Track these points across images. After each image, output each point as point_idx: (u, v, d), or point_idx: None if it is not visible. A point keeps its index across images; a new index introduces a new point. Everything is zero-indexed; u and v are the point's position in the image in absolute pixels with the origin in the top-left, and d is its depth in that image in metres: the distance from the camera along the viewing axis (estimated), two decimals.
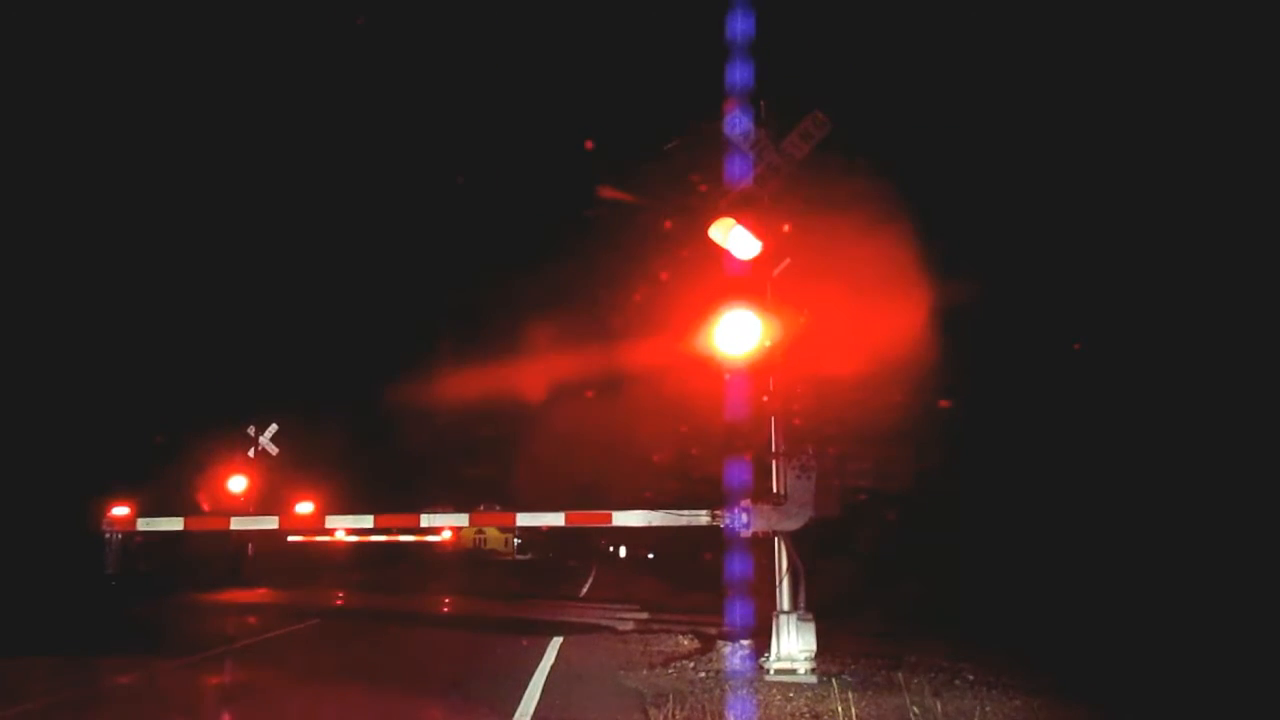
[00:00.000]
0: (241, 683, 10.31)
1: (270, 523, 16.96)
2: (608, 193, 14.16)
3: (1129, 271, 13.58)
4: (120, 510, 14.64)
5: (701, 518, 11.62)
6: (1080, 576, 13.04)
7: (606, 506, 13.19)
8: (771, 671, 9.94)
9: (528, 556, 41.00)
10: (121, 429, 20.25)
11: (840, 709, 8.00)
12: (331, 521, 15.84)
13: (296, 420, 25.48)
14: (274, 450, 24.49)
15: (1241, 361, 12.65)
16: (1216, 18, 12.65)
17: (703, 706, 8.20)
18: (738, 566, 11.85)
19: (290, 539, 27.72)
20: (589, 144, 15.16)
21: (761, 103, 10.57)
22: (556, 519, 13.61)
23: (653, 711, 8.14)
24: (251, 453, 24.20)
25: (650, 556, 40.23)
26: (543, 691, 9.27)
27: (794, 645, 10.00)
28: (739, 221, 9.97)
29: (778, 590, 10.36)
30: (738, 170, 10.38)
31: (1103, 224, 13.78)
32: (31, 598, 15.63)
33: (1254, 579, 11.19)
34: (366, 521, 15.40)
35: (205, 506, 22.44)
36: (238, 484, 23.31)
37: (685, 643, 12.72)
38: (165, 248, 22.14)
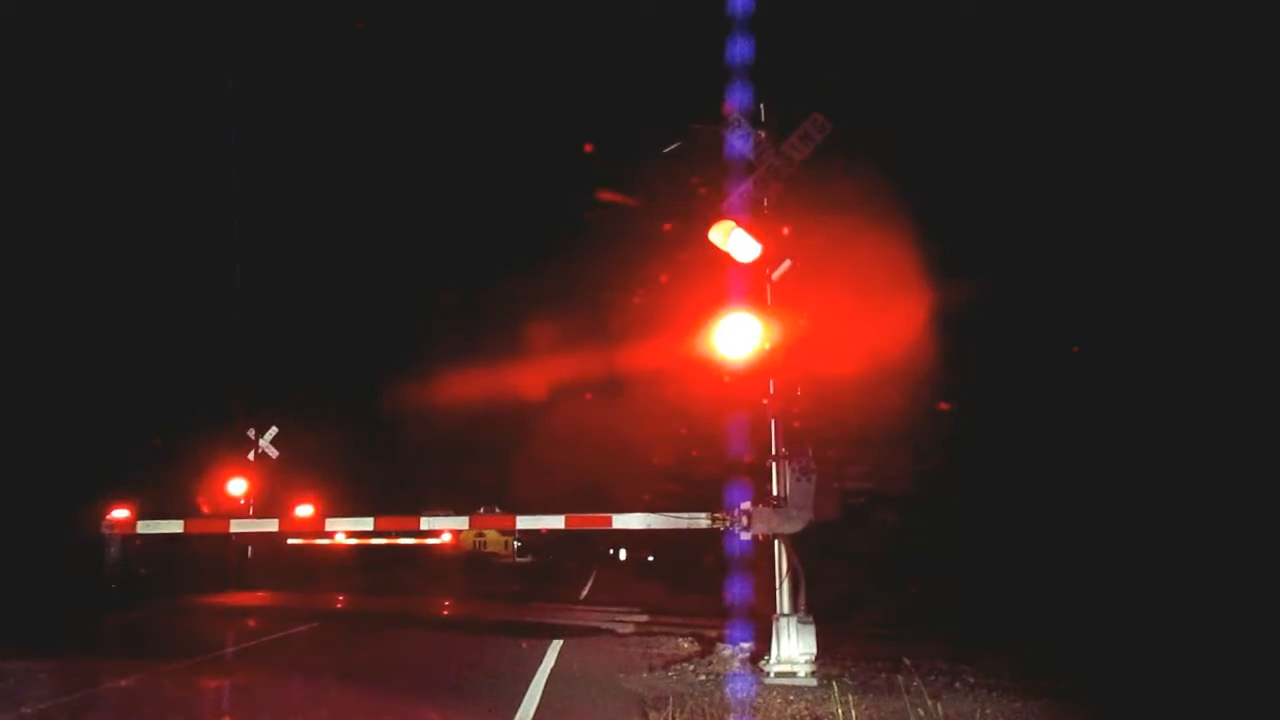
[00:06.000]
0: (241, 686, 10.29)
1: (270, 525, 16.93)
2: (607, 196, 14.18)
3: (1128, 274, 13.59)
4: (120, 513, 14.62)
5: (701, 520, 11.62)
6: (1079, 578, 13.03)
7: (606, 509, 13.18)
8: (771, 674, 9.93)
9: (528, 559, 40.90)
10: (121, 432, 20.24)
11: (840, 712, 7.98)
12: (331, 524, 15.83)
13: (297, 423, 25.44)
14: (274, 453, 24.45)
15: (1240, 363, 12.65)
16: (1215, 18, 12.66)
17: (703, 709, 8.19)
18: (737, 569, 11.85)
19: (290, 542, 27.69)
20: (588, 147, 15.17)
21: (762, 105, 10.59)
22: (556, 522, 13.61)
23: (652, 714, 8.13)
24: (251, 455, 24.15)
25: (650, 559, 40.18)
26: (542, 694, 9.26)
27: (794, 648, 10.00)
28: (739, 224, 9.96)
29: (778, 593, 10.36)
30: (738, 173, 10.36)
31: (1102, 226, 13.78)
32: (31, 600, 15.61)
33: (1252, 580, 11.19)
34: (366, 524, 15.38)
35: (205, 509, 22.40)
36: (237, 486, 23.24)
37: (685, 645, 12.70)
38: (166, 250, 22.16)
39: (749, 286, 10.37)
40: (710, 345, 9.89)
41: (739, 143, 10.33)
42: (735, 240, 9.96)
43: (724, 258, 10.13)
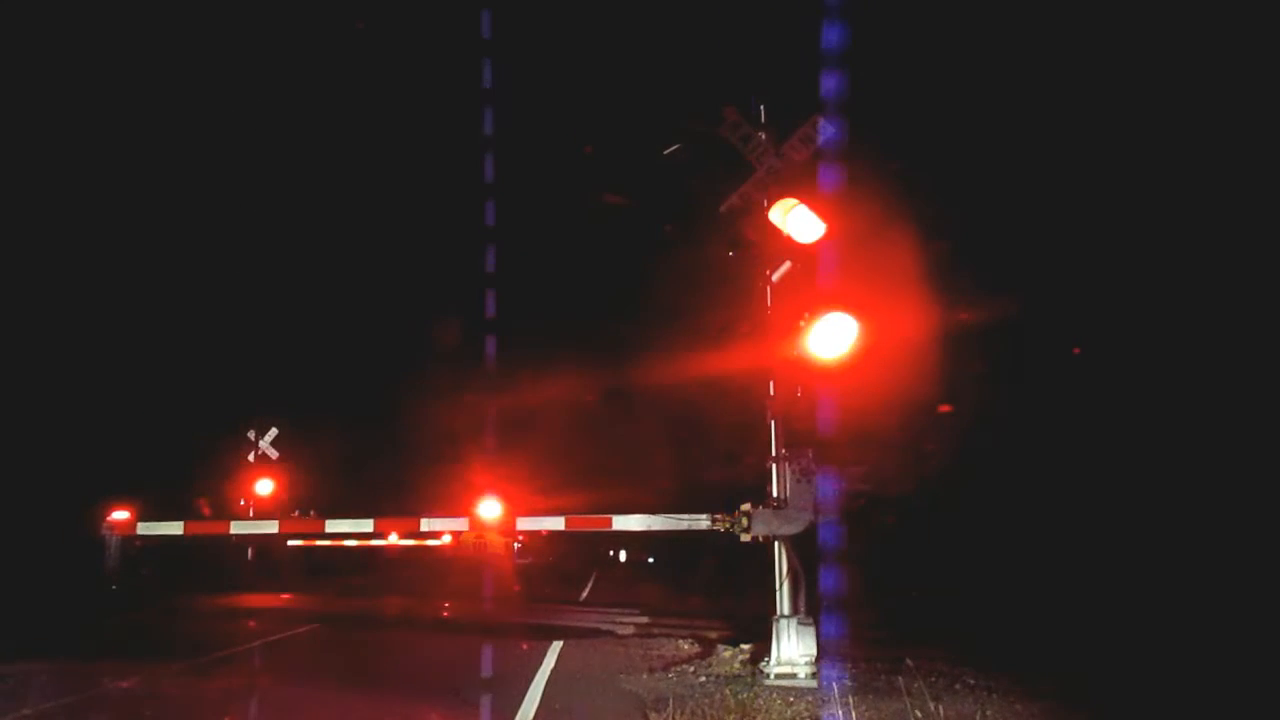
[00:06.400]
0: (241, 687, 10.30)
1: (270, 527, 16.95)
2: (610, 198, 14.18)
3: (1129, 276, 13.58)
4: (120, 514, 14.63)
5: (702, 522, 11.61)
6: (1080, 580, 13.03)
7: (607, 511, 13.18)
8: (772, 676, 9.94)
9: (528, 560, 40.91)
10: (122, 433, 20.25)
11: (841, 713, 7.98)
12: (332, 526, 15.83)
13: (297, 424, 25.43)
14: (274, 454, 24.45)
15: (1239, 365, 12.65)
16: (1216, 18, 12.66)
17: (703, 711, 8.19)
18: (737, 571, 11.84)
19: (290, 543, 27.66)
20: (588, 149, 15.18)
21: (762, 106, 10.58)
22: (556, 523, 13.62)
23: (653, 715, 8.14)
24: (252, 457, 24.16)
25: (650, 561, 40.19)
26: (543, 695, 9.27)
27: (794, 649, 10.01)
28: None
29: (778, 594, 10.37)
30: (736, 175, 10.23)
31: (1103, 228, 13.78)
32: (31, 602, 15.60)
33: (1252, 583, 11.19)
34: (367, 526, 15.40)
35: (206, 511, 22.41)
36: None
37: (685, 647, 12.71)
38: (166, 252, 22.17)
39: (749, 287, 10.38)
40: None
41: (738, 144, 10.31)
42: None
43: (731, 263, 10.11)
